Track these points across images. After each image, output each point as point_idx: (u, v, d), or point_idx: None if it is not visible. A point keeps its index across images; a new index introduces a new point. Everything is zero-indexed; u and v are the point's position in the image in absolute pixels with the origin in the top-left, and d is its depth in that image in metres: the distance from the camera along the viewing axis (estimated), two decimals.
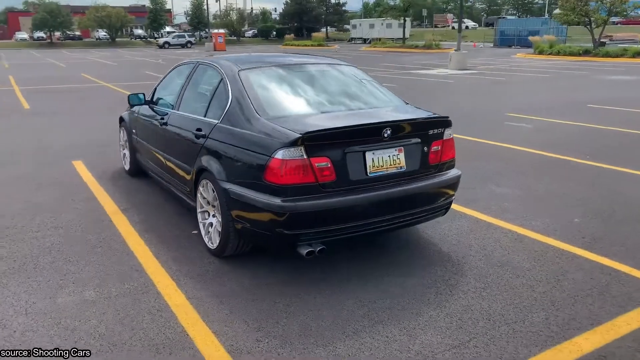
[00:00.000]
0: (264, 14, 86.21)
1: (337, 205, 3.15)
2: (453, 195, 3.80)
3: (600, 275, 3.48)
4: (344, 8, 77.74)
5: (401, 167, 3.41)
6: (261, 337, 2.77)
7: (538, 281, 3.42)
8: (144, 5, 70.96)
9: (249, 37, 76.42)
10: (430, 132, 3.53)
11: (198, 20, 70.96)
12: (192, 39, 57.74)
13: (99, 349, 2.67)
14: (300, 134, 3.03)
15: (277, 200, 3.05)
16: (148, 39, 69.66)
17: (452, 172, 3.74)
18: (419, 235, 4.20)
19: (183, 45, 55.19)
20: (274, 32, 76.44)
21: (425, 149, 3.51)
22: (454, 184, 3.73)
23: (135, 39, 70.95)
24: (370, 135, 3.26)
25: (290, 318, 2.96)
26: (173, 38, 57.22)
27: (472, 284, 3.37)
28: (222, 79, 3.84)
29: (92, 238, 4.14)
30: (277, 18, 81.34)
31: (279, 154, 3.01)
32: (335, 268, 3.58)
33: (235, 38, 69.61)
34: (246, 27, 77.95)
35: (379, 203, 3.33)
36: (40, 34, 65.45)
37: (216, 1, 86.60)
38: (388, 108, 3.87)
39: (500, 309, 3.07)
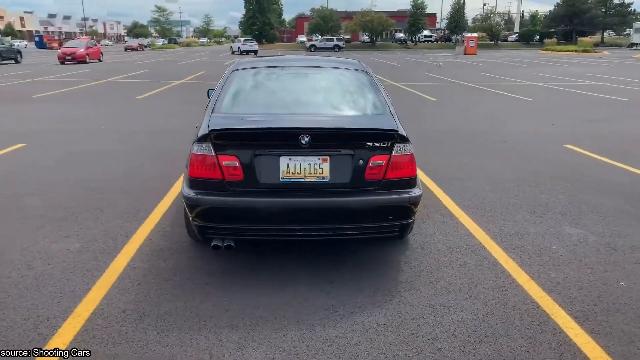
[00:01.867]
0: (534, 17, 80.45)
1: (241, 204, 3.21)
2: (406, 218, 3.37)
3: None
4: (629, 9, 67.16)
5: (324, 178, 3.23)
6: None
7: None
8: (408, 9, 73.78)
9: (511, 41, 72.64)
10: (369, 144, 3.23)
11: (456, 23, 70.59)
12: (340, 43, 56.78)
13: None
14: (209, 130, 3.19)
15: (189, 192, 3.28)
16: (407, 42, 72.36)
17: (403, 193, 3.32)
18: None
19: (331, 49, 54.51)
20: (537, 36, 70.88)
21: (361, 162, 3.24)
22: (399, 206, 3.31)
23: (395, 42, 74.53)
24: (285, 140, 3.19)
25: None
26: (320, 42, 58.13)
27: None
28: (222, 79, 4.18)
29: None
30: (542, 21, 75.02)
31: (194, 148, 3.24)
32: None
33: (493, 42, 67.08)
34: (510, 31, 74.07)
35: (290, 210, 3.24)
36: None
37: (484, 4, 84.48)
38: (342, 117, 3.60)
39: None
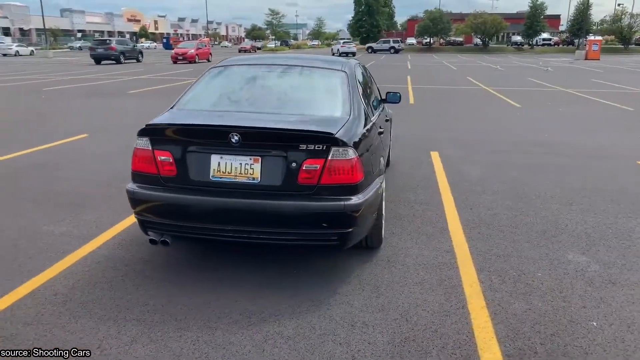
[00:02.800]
0: None
1: (172, 201, 3.21)
2: (344, 227, 3.15)
3: None
4: None
5: (254, 179, 3.13)
6: None
7: None
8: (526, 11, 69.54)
9: None
10: (302, 147, 3.06)
11: (579, 26, 65.20)
12: (396, 45, 57.85)
13: None
14: (145, 125, 3.24)
15: (131, 185, 3.35)
16: (523, 45, 68.30)
17: (338, 200, 3.10)
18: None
19: (387, 50, 56.53)
20: None
21: (293, 165, 3.08)
22: (335, 214, 3.10)
23: (511, 45, 70.74)
24: (215, 138, 3.13)
25: None
26: (377, 43, 59.73)
27: None
28: None
29: None
30: None
31: (137, 142, 3.31)
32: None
33: (623, 46, 61.03)
34: None
35: (219, 210, 3.17)
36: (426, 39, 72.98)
37: (618, 5, 77.29)
38: (284, 117, 3.41)
39: None
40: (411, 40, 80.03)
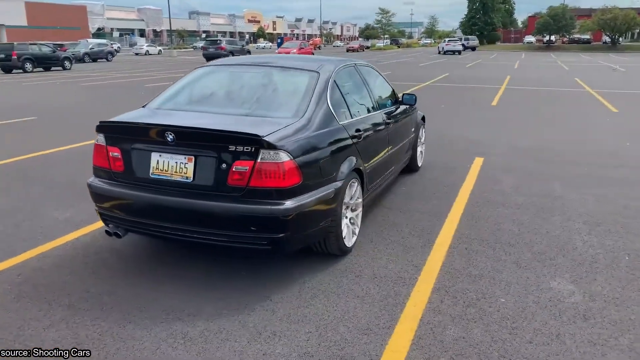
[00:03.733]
0: None
1: (118, 195, 3.33)
2: (274, 232, 3.06)
3: None
4: None
5: (187, 178, 3.15)
6: None
7: None
8: None
9: None
10: (231, 148, 3.02)
11: None
12: (465, 43, 50.99)
13: None
14: (99, 122, 3.40)
15: (90, 179, 3.55)
16: None
17: (267, 203, 3.02)
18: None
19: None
20: None
21: (224, 166, 3.06)
22: (263, 217, 3.02)
23: None
24: (154, 136, 3.19)
25: None
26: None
27: None
28: None
29: None
30: None
31: (96, 138, 3.49)
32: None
33: None
34: None
35: (155, 207, 3.24)
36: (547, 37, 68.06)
37: None
38: (237, 118, 3.45)
39: None
40: (529, 39, 74.97)
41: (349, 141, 3.74)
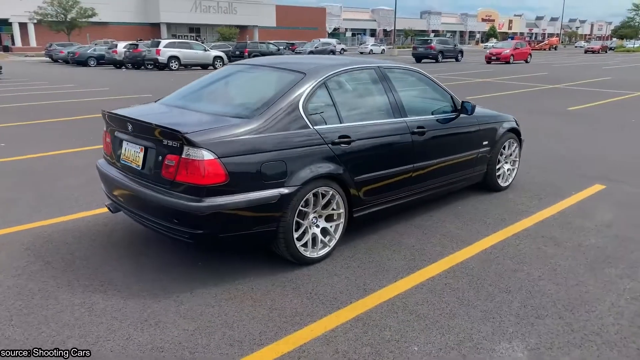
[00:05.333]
0: None
1: (105, 176, 3.79)
2: (193, 227, 3.13)
3: None
4: None
5: (138, 166, 3.42)
6: None
7: None
8: None
9: None
10: (165, 142, 3.19)
11: None
12: None
13: None
14: (101, 111, 3.89)
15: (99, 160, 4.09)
16: None
17: (186, 199, 3.09)
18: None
19: None
20: None
21: (160, 158, 3.25)
22: (181, 212, 3.10)
23: None
24: (123, 126, 3.53)
25: None
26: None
27: None
28: None
29: None
30: None
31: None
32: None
33: None
34: None
35: (120, 190, 3.58)
36: None
37: None
38: (194, 114, 3.64)
39: None
40: None
41: (324, 147, 3.54)
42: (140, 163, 3.41)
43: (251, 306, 3.09)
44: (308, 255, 3.58)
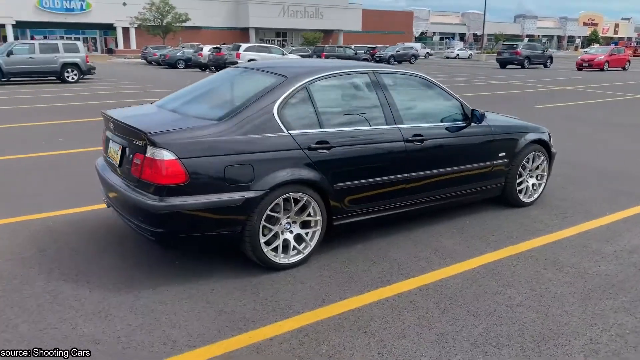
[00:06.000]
0: None
1: (98, 173, 3.98)
2: (152, 225, 3.20)
3: None
4: None
5: (116, 162, 3.56)
6: None
7: None
8: None
9: None
10: (134, 141, 3.30)
11: None
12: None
13: None
14: (101, 112, 4.08)
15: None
16: None
17: (146, 197, 3.17)
18: None
19: None
20: None
21: (130, 157, 3.37)
22: (142, 209, 3.19)
23: None
24: (109, 125, 3.68)
25: None
26: None
27: None
28: None
29: None
30: None
31: None
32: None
33: None
34: None
35: (106, 186, 3.74)
36: None
37: None
38: (171, 114, 3.71)
39: None
40: None
41: (298, 152, 3.49)
42: (118, 160, 3.55)
43: (202, 307, 3.10)
44: (277, 261, 3.53)
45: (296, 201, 3.54)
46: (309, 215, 3.62)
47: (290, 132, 3.50)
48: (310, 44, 52.96)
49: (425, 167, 4.15)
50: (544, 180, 5.19)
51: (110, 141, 3.75)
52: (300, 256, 3.63)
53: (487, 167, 4.59)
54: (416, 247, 4.03)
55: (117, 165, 3.56)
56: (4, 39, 49.25)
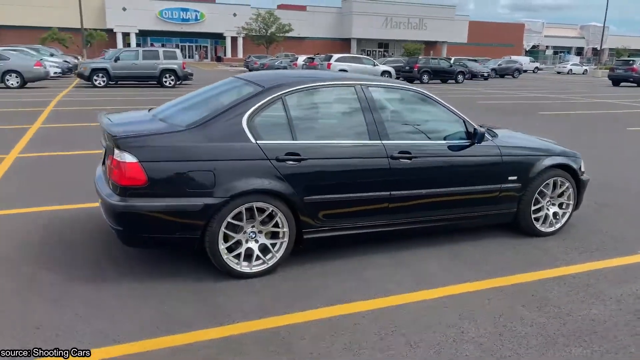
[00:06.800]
0: None
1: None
2: (114, 222, 3.39)
3: None
4: None
5: (104, 165, 3.80)
6: None
7: None
8: None
9: None
10: (110, 144, 3.50)
11: None
12: None
13: None
14: None
15: None
16: None
17: (111, 196, 3.36)
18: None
19: None
20: None
21: (108, 159, 3.58)
22: (108, 208, 3.39)
23: None
24: (103, 135, 3.87)
25: None
26: None
27: None
28: None
29: None
30: None
31: None
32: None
33: None
34: None
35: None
36: None
37: None
38: (156, 123, 3.80)
39: None
40: None
41: (265, 163, 3.51)
42: (102, 161, 3.80)
43: (150, 306, 3.21)
44: (239, 269, 3.57)
45: (262, 211, 3.55)
46: (276, 226, 3.61)
47: (258, 142, 3.52)
48: (410, 55, 52.42)
49: (413, 186, 3.96)
50: (570, 210, 4.71)
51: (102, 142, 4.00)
52: (265, 266, 3.63)
53: (492, 190, 4.28)
54: (395, 269, 3.86)
55: (102, 166, 3.81)
56: (128, 45, 54.31)
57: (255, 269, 3.61)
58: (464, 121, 4.22)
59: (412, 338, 2.94)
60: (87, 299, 3.27)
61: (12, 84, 18.24)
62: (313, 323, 3.08)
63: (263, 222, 3.60)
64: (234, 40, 61.38)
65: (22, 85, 18.43)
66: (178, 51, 21.80)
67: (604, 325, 3.15)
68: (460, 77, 31.91)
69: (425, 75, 30.75)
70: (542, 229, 4.59)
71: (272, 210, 3.55)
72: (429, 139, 4.14)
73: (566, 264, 4.06)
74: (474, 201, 4.24)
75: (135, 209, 3.30)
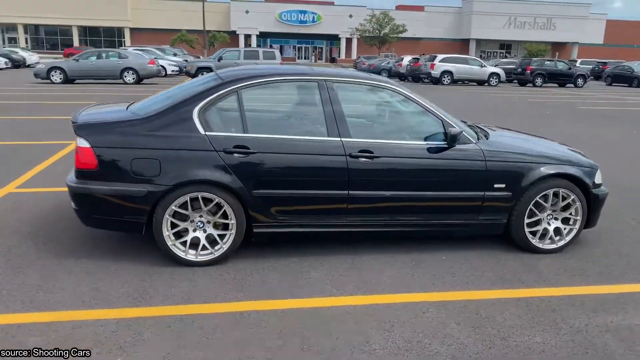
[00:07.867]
0: None
1: None
2: (73, 204, 3.68)
3: None
4: None
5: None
6: None
7: None
8: None
9: None
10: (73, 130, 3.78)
11: None
12: None
13: None
14: None
15: None
16: None
17: (70, 181, 3.64)
18: None
19: None
20: None
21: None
22: (70, 191, 3.65)
23: None
24: None
25: None
26: None
27: None
28: None
29: None
30: None
31: None
32: None
33: None
34: None
35: None
36: None
37: None
38: (138, 115, 3.83)
39: None
40: None
41: (212, 154, 3.59)
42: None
43: (90, 282, 3.43)
44: (183, 256, 3.67)
45: (210, 201, 3.62)
46: (225, 217, 3.67)
47: (207, 133, 3.60)
48: (534, 57, 49.14)
49: (375, 187, 3.79)
50: (577, 226, 4.16)
51: None
52: (211, 256, 3.70)
53: (472, 198, 3.94)
54: (345, 272, 3.72)
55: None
56: (249, 45, 57.48)
57: (201, 258, 3.69)
58: (442, 121, 3.93)
59: (310, 343, 2.83)
60: (44, 270, 3.57)
61: (128, 80, 20.25)
62: (224, 315, 3.08)
63: (212, 213, 3.66)
64: (348, 41, 62.12)
65: (138, 81, 20.37)
66: (277, 52, 22.66)
67: (539, 356, 2.77)
68: (580, 81, 29.21)
69: (539, 78, 28.64)
70: (540, 245, 4.12)
71: (219, 202, 3.60)
72: (399, 138, 3.91)
73: (546, 286, 3.62)
74: (448, 208, 3.94)
75: (87, 190, 3.56)
